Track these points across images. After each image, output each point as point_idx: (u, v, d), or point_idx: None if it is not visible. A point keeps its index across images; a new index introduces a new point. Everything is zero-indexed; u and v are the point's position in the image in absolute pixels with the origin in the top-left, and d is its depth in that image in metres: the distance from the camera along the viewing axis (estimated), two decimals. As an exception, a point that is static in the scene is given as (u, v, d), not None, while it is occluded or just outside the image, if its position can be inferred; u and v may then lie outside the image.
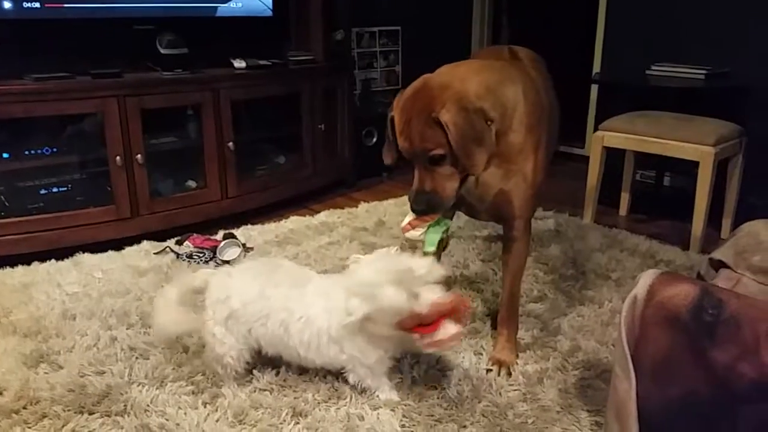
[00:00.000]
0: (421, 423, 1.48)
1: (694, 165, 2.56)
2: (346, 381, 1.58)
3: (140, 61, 2.76)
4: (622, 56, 3.67)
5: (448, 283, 1.47)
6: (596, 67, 3.83)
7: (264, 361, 1.67)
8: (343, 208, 3.10)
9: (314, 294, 1.54)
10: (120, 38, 2.72)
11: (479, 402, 1.55)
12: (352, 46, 3.92)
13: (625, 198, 3.13)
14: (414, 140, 1.46)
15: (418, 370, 1.67)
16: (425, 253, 1.54)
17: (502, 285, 1.79)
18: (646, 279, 1.25)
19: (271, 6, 3.15)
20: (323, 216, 2.96)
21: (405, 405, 1.53)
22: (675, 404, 1.21)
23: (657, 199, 3.27)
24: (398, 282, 1.37)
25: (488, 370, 1.70)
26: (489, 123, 1.47)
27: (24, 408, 1.52)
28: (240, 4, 3.04)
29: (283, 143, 3.31)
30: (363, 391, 1.57)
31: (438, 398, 1.57)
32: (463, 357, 1.75)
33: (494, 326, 1.90)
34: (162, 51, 2.70)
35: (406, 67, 4.45)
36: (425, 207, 1.50)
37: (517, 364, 1.73)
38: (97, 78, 2.52)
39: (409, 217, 1.56)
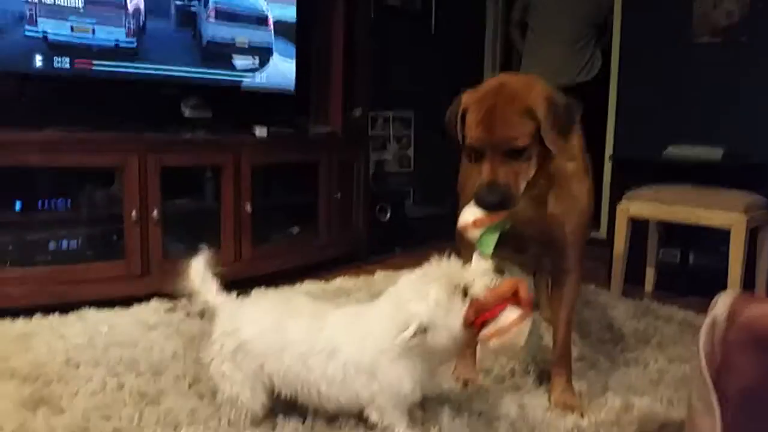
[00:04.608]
0: (470, 473, 1.31)
1: (721, 242, 2.50)
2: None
3: (163, 124, 2.76)
4: (634, 140, 3.72)
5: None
6: (608, 151, 3.88)
7: (287, 408, 1.51)
8: (358, 276, 3.00)
9: (338, 324, 1.42)
10: (145, 100, 2.73)
11: (533, 453, 1.39)
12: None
13: (650, 273, 3.04)
14: (496, 129, 1.40)
15: (461, 420, 1.51)
16: (481, 255, 1.44)
17: (554, 324, 1.68)
18: (725, 299, 1.14)
19: (293, 83, 3.22)
20: (339, 282, 2.86)
21: (450, 454, 1.37)
22: (771, 439, 1.06)
23: (683, 276, 3.17)
24: (449, 280, 1.31)
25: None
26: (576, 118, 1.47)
27: (20, 448, 1.35)
28: (264, 80, 3.10)
29: (300, 211, 3.25)
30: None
31: (487, 448, 1.41)
32: (508, 408, 1.59)
33: (536, 382, 1.77)
34: (186, 114, 2.71)
35: (418, 151, 4.51)
36: (499, 200, 1.39)
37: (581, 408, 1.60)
38: (119, 133, 2.50)
39: (472, 214, 1.44)
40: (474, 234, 1.45)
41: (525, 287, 1.34)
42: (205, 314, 2.28)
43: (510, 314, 1.31)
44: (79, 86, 2.61)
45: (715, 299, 1.16)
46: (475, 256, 1.42)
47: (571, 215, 1.56)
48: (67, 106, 2.57)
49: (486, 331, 1.31)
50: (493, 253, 1.47)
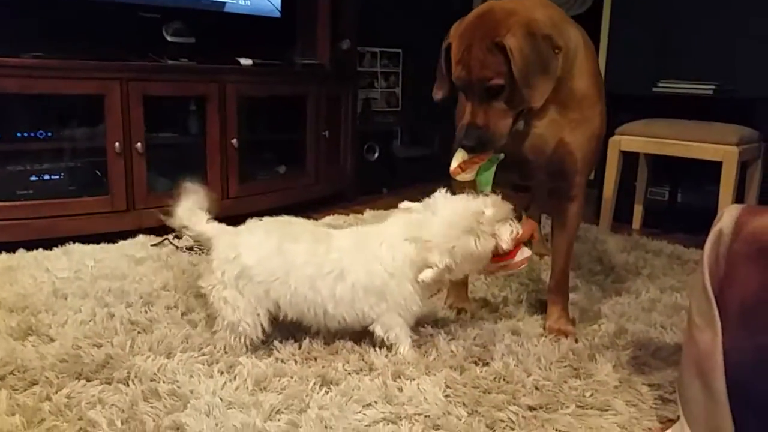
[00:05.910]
0: (467, 394, 1.31)
1: (709, 181, 2.48)
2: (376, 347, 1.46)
3: (143, 51, 2.64)
4: (626, 75, 3.66)
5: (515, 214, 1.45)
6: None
7: (284, 333, 1.50)
8: (348, 215, 2.96)
9: (344, 247, 1.44)
10: (124, 25, 2.61)
11: (528, 376, 1.39)
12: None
13: (638, 211, 3.04)
14: (473, 68, 1.34)
15: (457, 344, 1.51)
16: (482, 194, 1.45)
17: (553, 252, 1.66)
18: (731, 212, 1.12)
19: (279, 7, 3.09)
20: (329, 219, 2.83)
21: (447, 375, 1.37)
22: (771, 352, 1.06)
23: (670, 214, 3.18)
24: (473, 229, 1.37)
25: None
26: (556, 51, 1.36)
27: (10, 374, 1.32)
28: (248, 2, 2.97)
29: (287, 148, 3.18)
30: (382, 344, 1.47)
31: (482, 371, 1.41)
32: (503, 335, 1.59)
33: (529, 311, 1.77)
34: (168, 38, 2.59)
35: (406, 90, 4.41)
36: (476, 143, 1.38)
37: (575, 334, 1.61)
38: (100, 60, 2.39)
39: (458, 158, 1.45)
40: (464, 177, 1.46)
41: (535, 226, 1.47)
42: (194, 248, 2.27)
43: (522, 254, 1.44)
44: (56, 9, 2.47)
45: (720, 213, 1.14)
46: (498, 199, 1.43)
47: (582, 142, 1.51)
48: (45, 31, 2.44)
49: (494, 266, 1.44)
50: (493, 184, 1.50)
